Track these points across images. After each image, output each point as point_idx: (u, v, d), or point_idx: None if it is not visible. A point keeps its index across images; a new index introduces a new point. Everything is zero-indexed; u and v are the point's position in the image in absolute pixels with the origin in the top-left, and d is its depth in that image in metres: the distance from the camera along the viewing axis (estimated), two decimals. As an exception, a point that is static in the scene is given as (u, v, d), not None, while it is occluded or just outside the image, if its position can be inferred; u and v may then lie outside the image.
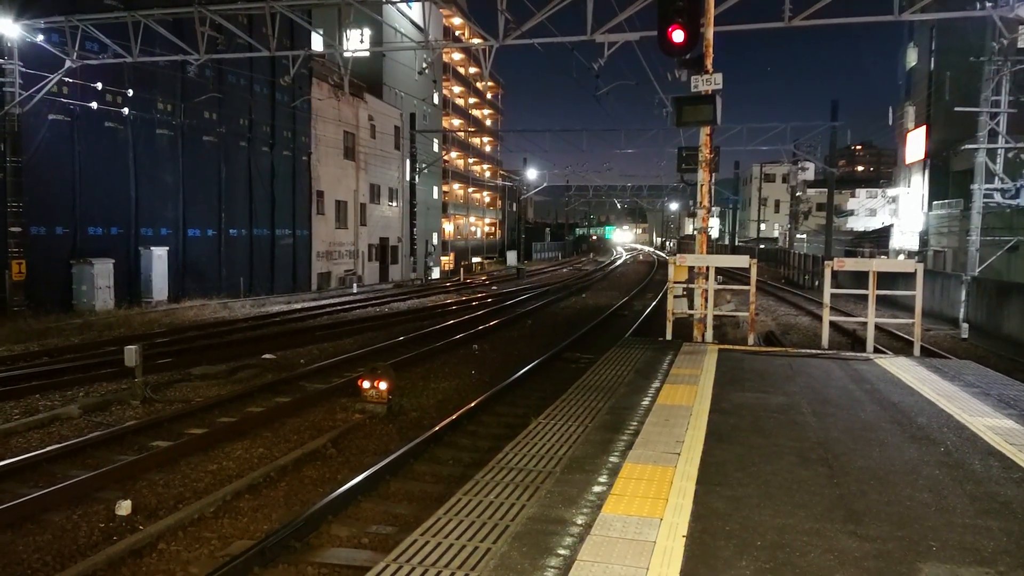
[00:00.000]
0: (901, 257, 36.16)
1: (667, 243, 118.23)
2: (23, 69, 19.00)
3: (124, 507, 6.60)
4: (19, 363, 13.34)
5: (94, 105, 20.86)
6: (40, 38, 18.94)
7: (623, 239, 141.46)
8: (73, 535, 6.20)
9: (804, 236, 55.67)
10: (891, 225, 45.15)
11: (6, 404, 10.45)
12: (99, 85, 20.67)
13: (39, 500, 6.66)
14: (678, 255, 11.86)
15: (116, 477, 7.39)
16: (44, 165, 20.27)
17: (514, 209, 76.74)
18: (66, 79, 19.75)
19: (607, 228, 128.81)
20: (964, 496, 4.59)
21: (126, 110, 22.22)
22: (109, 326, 18.57)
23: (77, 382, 11.77)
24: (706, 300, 11.16)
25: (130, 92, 22.05)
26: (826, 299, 10.60)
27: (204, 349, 15.10)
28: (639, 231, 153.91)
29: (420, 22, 44.02)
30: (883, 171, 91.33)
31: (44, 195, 20.20)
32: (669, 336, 10.90)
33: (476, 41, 19.68)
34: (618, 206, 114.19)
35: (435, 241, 51.49)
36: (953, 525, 4.14)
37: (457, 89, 66.23)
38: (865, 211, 59.03)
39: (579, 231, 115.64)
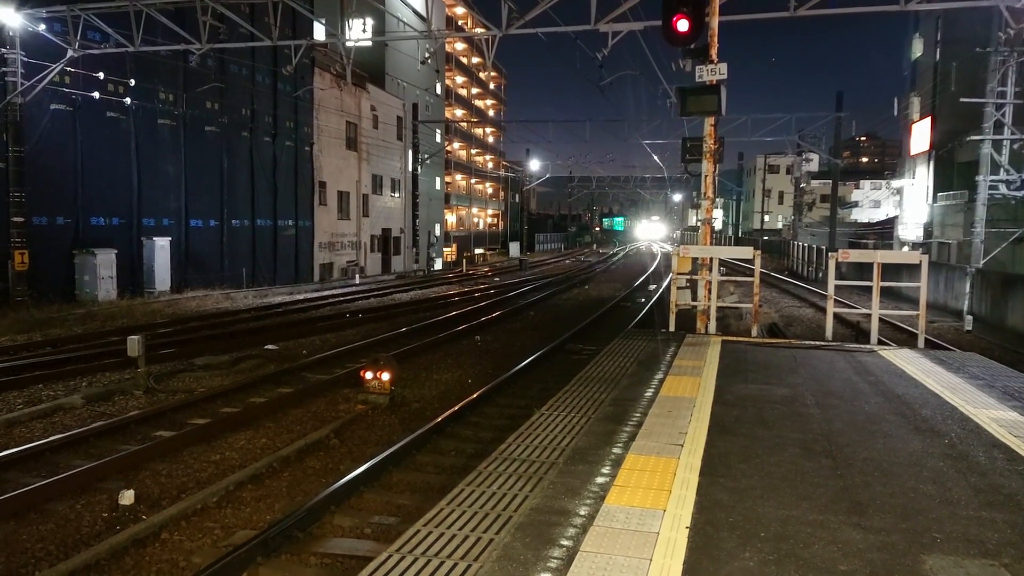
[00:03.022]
0: (905, 249, 36.06)
1: (673, 234, 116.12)
2: (25, 59, 18.97)
3: (127, 497, 6.61)
4: (22, 353, 13.36)
5: (96, 95, 20.82)
6: (42, 27, 18.89)
7: (650, 234, 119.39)
8: (76, 525, 6.22)
9: (808, 227, 55.53)
10: (895, 217, 44.97)
11: (9, 394, 10.47)
12: (101, 75, 20.64)
13: (42, 490, 6.67)
14: (681, 246, 11.84)
15: (119, 467, 7.40)
16: (46, 155, 20.24)
17: (517, 200, 76.67)
18: (68, 69, 19.70)
19: (605, 220, 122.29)
20: (968, 488, 4.58)
21: (128, 100, 22.19)
22: (112, 316, 18.59)
23: (80, 372, 11.78)
24: (709, 291, 11.14)
25: (132, 82, 22.01)
26: (830, 290, 10.56)
27: (207, 339, 15.12)
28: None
29: (423, 11, 43.79)
30: (888, 162, 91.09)
31: (46, 185, 20.19)
32: (672, 328, 10.88)
33: (479, 30, 19.61)
34: (618, 196, 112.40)
35: (438, 232, 51.45)
36: (957, 517, 4.13)
37: (460, 79, 65.99)
38: (869, 202, 58.84)
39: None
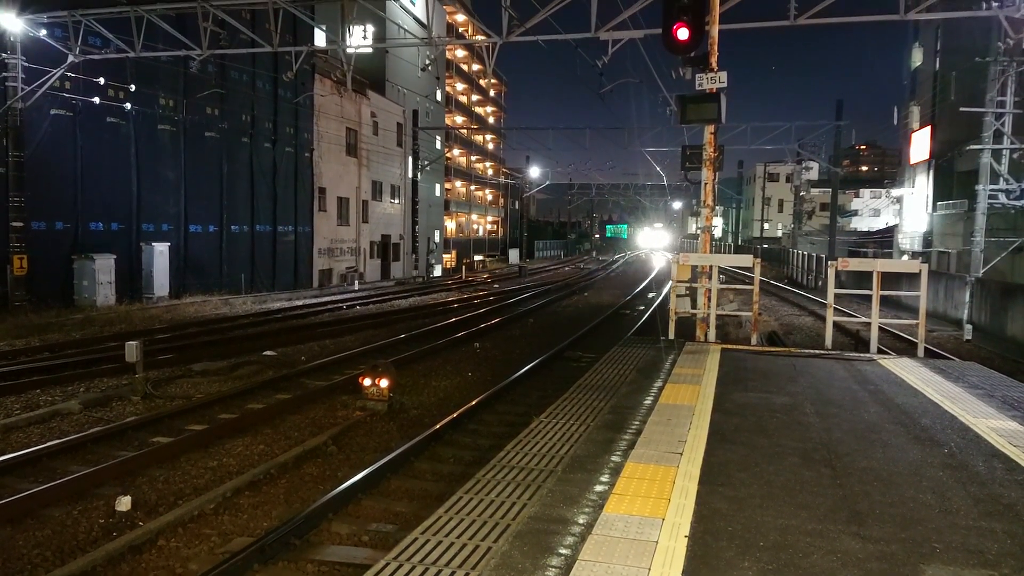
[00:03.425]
0: (905, 257, 36.08)
1: (677, 242, 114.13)
2: (26, 64, 19.01)
3: (124, 503, 6.59)
4: (20, 358, 13.34)
5: (96, 100, 20.85)
6: (43, 33, 18.93)
7: (652, 242, 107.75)
8: (73, 531, 6.19)
9: (807, 235, 55.60)
10: (895, 225, 45.05)
11: (7, 399, 10.45)
12: (101, 80, 20.68)
13: (39, 495, 6.65)
14: (681, 254, 11.85)
15: (116, 473, 7.38)
16: (46, 160, 20.27)
17: (516, 207, 76.72)
18: (69, 74, 19.74)
19: (607, 228, 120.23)
20: (968, 498, 4.56)
21: (128, 105, 22.23)
22: (110, 322, 18.56)
23: (78, 377, 11.76)
24: (709, 299, 11.13)
25: (132, 87, 22.04)
26: (830, 299, 10.56)
27: (205, 345, 15.09)
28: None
29: (423, 18, 43.90)
30: (887, 171, 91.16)
31: (46, 190, 20.21)
32: (671, 335, 10.86)
33: (479, 38, 19.66)
34: (619, 203, 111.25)
35: (437, 239, 51.46)
36: (957, 527, 4.11)
37: (460, 86, 66.15)
38: (869, 211, 58.91)
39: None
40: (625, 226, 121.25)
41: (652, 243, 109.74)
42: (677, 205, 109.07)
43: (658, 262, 63.42)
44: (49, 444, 8.21)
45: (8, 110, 18.86)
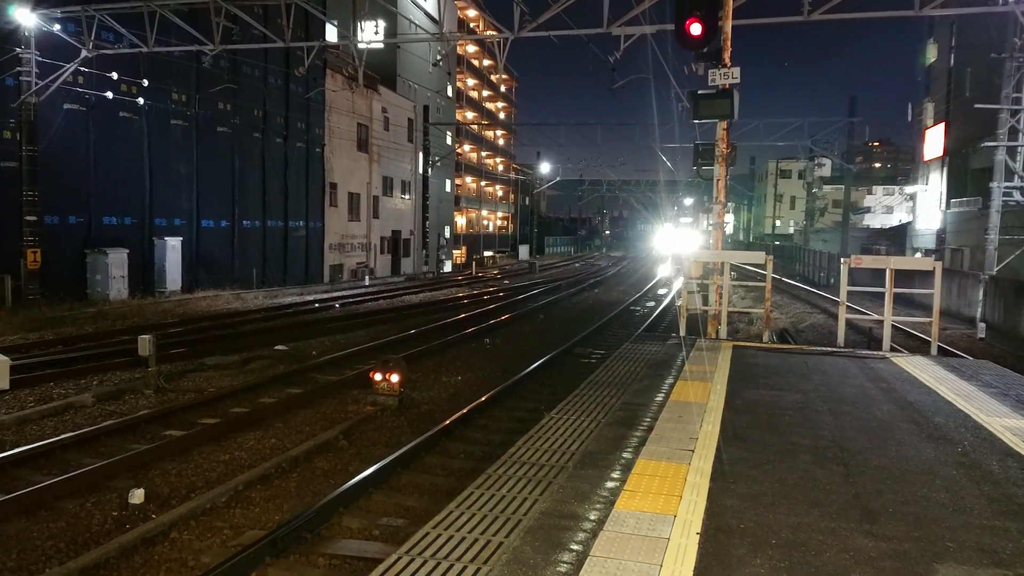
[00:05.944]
0: (918, 255, 35.84)
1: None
2: (39, 58, 19.09)
3: (137, 496, 6.63)
4: (34, 351, 13.43)
5: (109, 95, 20.95)
6: (56, 27, 19.03)
7: (676, 243, 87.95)
8: (86, 523, 6.24)
9: (819, 233, 55.33)
10: (908, 223, 44.74)
11: (21, 392, 10.53)
12: (114, 75, 20.75)
13: (53, 488, 6.70)
14: (693, 250, 11.82)
15: (129, 466, 7.43)
16: (59, 154, 20.36)
17: (527, 203, 76.67)
18: (82, 68, 19.82)
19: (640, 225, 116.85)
20: (982, 497, 4.53)
21: (141, 100, 22.30)
22: (123, 315, 18.67)
23: (91, 371, 11.84)
24: (720, 296, 11.10)
25: (145, 82, 22.12)
26: (842, 296, 10.50)
27: (217, 339, 15.16)
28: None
29: (435, 14, 43.88)
30: (901, 168, 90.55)
31: (59, 184, 20.30)
32: (683, 332, 10.84)
33: (491, 33, 19.63)
34: (633, 198, 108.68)
35: (447, 234, 51.48)
36: (970, 526, 4.09)
37: (471, 82, 66.05)
38: (882, 208, 58.54)
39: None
40: (640, 223, 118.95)
41: (676, 245, 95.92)
42: (688, 201, 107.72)
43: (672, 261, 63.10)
44: (63, 437, 8.28)
45: (22, 104, 18.96)
